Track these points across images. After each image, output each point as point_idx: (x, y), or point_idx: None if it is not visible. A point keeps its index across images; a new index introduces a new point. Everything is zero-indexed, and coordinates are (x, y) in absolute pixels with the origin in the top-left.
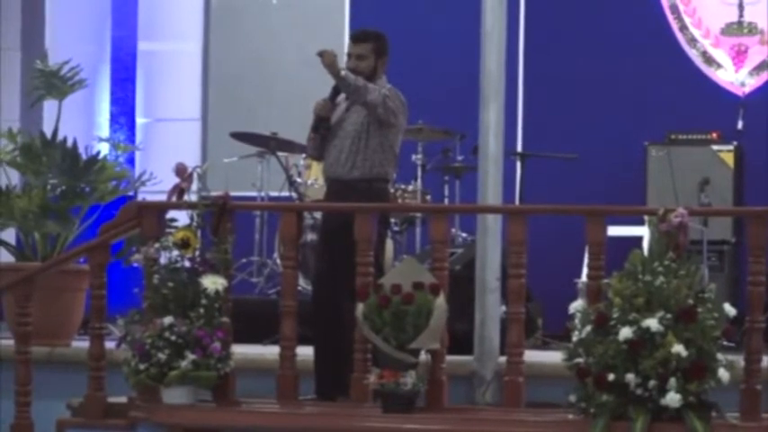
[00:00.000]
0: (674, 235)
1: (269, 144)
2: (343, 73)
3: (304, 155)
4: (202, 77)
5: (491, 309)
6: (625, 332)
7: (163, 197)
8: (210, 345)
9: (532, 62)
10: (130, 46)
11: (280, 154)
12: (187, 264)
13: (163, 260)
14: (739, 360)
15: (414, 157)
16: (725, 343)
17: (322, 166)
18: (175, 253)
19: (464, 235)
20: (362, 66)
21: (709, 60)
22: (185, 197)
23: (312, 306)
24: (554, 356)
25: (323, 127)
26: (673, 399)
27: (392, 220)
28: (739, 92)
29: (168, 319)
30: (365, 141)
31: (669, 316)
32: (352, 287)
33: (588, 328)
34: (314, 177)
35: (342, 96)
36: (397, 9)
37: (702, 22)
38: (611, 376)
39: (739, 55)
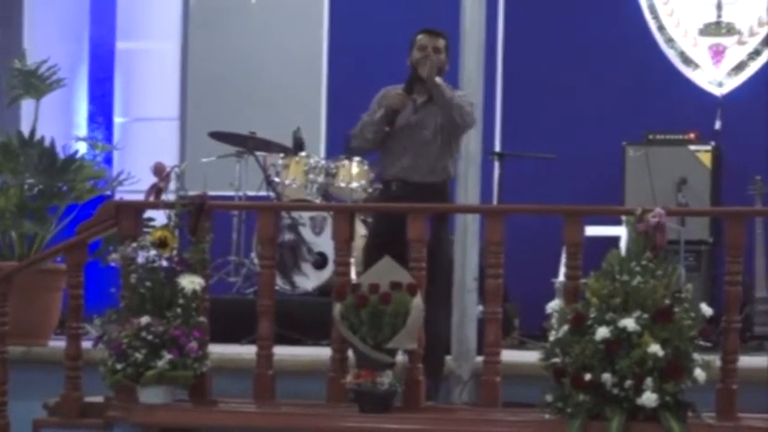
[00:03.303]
0: (652, 235)
1: (247, 144)
2: (438, 80)
3: (282, 154)
4: (180, 77)
5: (468, 309)
6: (602, 332)
7: (140, 197)
8: (187, 344)
9: (511, 62)
10: (109, 45)
11: (258, 153)
12: (164, 263)
13: (140, 260)
14: (716, 360)
15: None
16: (701, 343)
17: (386, 169)
18: (153, 252)
19: None
20: (440, 58)
21: (687, 60)
22: (163, 197)
23: None
24: (531, 356)
25: (393, 120)
26: (649, 398)
27: (369, 220)
28: (717, 92)
29: (145, 319)
30: (442, 146)
31: (646, 316)
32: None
33: (565, 327)
34: (292, 177)
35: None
36: (376, 9)
37: (680, 23)
38: (587, 376)
39: (717, 55)
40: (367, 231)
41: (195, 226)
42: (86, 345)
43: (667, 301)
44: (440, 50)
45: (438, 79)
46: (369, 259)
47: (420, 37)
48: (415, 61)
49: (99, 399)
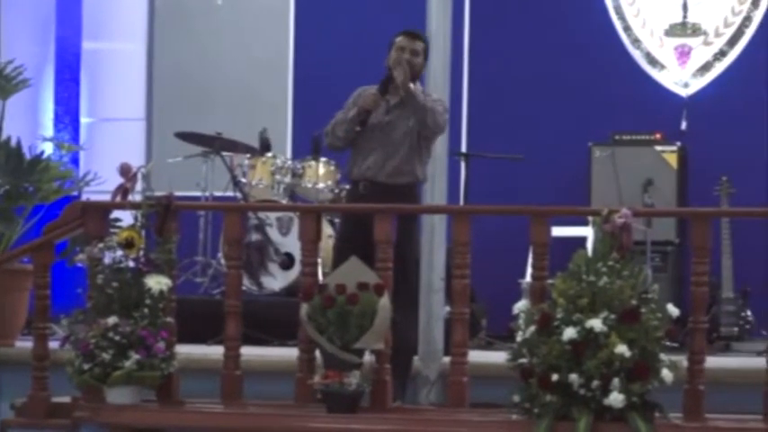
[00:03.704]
0: (618, 236)
1: (213, 144)
2: (412, 86)
3: (249, 155)
4: (147, 77)
5: (435, 309)
6: (569, 332)
7: (107, 197)
8: (154, 345)
9: (477, 63)
10: (75, 45)
11: (224, 154)
12: (131, 264)
13: (107, 260)
14: (682, 360)
15: None
16: (668, 343)
17: (354, 168)
18: (119, 253)
19: None
20: (417, 61)
21: (652, 61)
22: (129, 197)
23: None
24: (498, 357)
25: (366, 120)
26: (616, 399)
27: (336, 220)
28: (683, 93)
29: (112, 320)
30: (411, 148)
31: (613, 316)
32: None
33: (532, 328)
34: (258, 178)
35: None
36: (342, 11)
37: (646, 23)
38: (554, 376)
39: (683, 56)
40: (334, 232)
41: (162, 226)
42: (53, 345)
43: (634, 302)
44: (417, 53)
45: (412, 85)
46: (337, 260)
47: (399, 39)
48: (391, 63)
49: (66, 399)
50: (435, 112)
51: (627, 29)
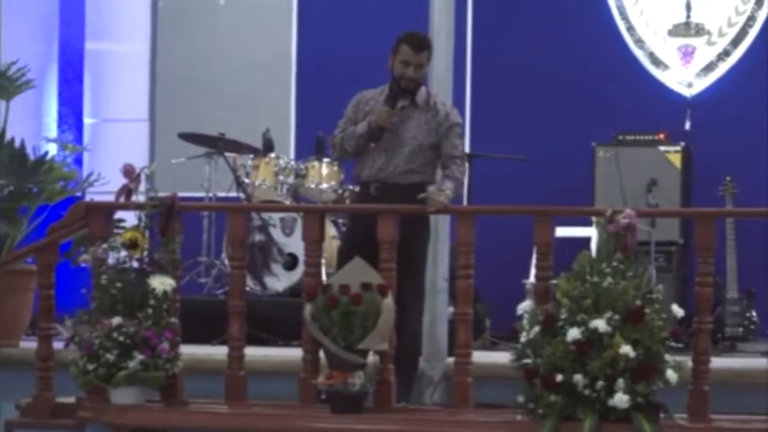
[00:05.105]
0: (622, 236)
1: (217, 145)
2: (442, 198)
3: (252, 155)
4: (150, 78)
5: (439, 309)
6: (573, 333)
7: (111, 198)
8: (159, 345)
9: (480, 63)
10: (78, 46)
11: (227, 154)
12: (135, 264)
13: (111, 260)
14: (687, 361)
15: None
16: (673, 344)
17: (364, 169)
18: (123, 253)
19: None
20: (421, 74)
21: (656, 61)
22: (133, 198)
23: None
24: (502, 357)
25: (379, 137)
26: (621, 399)
27: (340, 221)
28: (686, 93)
29: (116, 320)
30: (424, 149)
31: (617, 317)
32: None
33: (536, 328)
34: (262, 178)
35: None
36: (345, 11)
37: (650, 23)
38: (559, 377)
39: (686, 56)
40: (337, 232)
41: (165, 227)
42: (58, 345)
43: (638, 302)
44: (422, 66)
45: (442, 197)
46: (344, 262)
47: (403, 48)
48: (399, 76)
49: (71, 399)
50: (459, 181)
51: (630, 29)
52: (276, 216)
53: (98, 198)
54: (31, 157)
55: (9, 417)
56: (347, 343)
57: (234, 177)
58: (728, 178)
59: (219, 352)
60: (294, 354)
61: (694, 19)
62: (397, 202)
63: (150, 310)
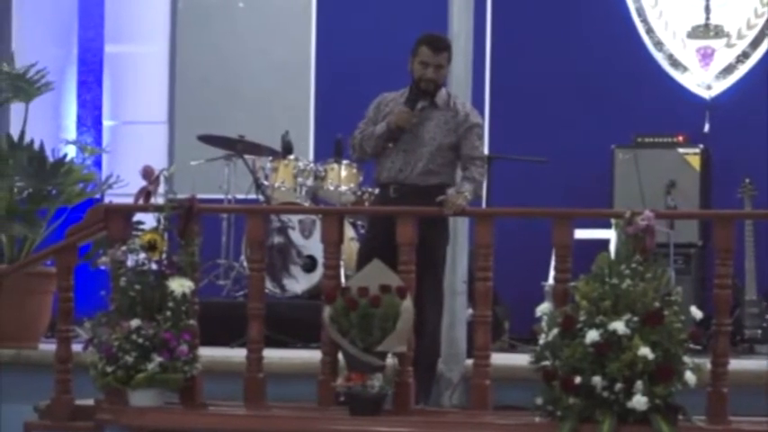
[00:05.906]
0: (641, 238)
1: (236, 147)
2: (469, 198)
3: (271, 158)
4: (169, 80)
5: (458, 311)
6: (592, 335)
7: (130, 200)
8: (177, 347)
9: (500, 65)
10: (97, 48)
11: (246, 157)
12: (154, 266)
13: (130, 263)
14: (706, 363)
15: None
16: (691, 346)
17: (383, 171)
18: (142, 255)
19: None
20: (441, 75)
21: (675, 63)
22: (152, 200)
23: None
24: (521, 359)
25: (398, 137)
26: (639, 402)
27: (359, 223)
28: (706, 95)
29: (135, 322)
30: (443, 150)
31: (636, 319)
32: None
33: (555, 330)
34: (281, 180)
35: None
36: (364, 13)
37: (669, 25)
38: (577, 379)
39: (706, 58)
40: (356, 234)
41: (184, 229)
42: (77, 348)
43: (657, 304)
44: (442, 66)
45: (460, 199)
46: (363, 264)
47: (422, 49)
48: (418, 78)
49: (89, 402)
50: (478, 183)
51: (649, 31)
52: (295, 218)
53: (117, 200)
54: (51, 160)
55: (28, 419)
56: (366, 345)
57: (253, 179)
58: (747, 180)
59: (238, 354)
60: (313, 356)
61: (713, 21)
62: (416, 203)
63: (169, 313)
